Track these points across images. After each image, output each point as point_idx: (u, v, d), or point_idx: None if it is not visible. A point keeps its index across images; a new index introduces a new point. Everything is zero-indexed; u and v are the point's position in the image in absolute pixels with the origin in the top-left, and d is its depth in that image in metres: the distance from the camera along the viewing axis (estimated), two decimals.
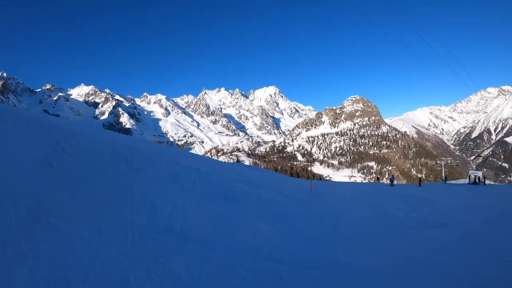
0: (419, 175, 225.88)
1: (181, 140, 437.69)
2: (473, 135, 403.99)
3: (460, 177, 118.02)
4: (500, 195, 23.72)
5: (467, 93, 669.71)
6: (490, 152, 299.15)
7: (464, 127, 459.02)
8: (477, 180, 39.73)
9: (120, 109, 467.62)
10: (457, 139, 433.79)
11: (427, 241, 9.00)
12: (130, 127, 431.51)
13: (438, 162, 78.82)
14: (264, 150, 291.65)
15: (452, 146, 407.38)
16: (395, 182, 41.76)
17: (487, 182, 45.88)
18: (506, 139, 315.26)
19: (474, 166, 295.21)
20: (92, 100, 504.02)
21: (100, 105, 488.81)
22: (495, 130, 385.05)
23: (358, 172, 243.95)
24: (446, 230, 10.32)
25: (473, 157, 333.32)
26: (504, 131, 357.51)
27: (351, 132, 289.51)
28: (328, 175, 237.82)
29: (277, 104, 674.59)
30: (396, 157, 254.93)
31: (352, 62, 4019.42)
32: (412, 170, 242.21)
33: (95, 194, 8.36)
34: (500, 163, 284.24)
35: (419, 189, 28.39)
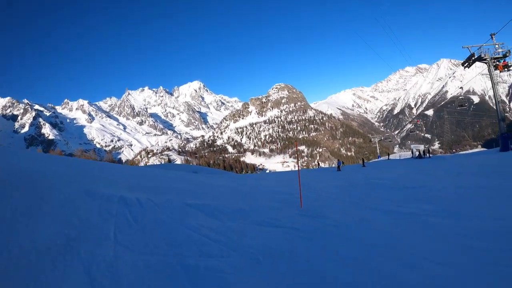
0: (349, 153, 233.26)
1: (109, 146, 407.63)
2: (395, 111, 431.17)
3: (388, 152, 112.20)
4: (476, 169, 18.84)
5: (387, 73, 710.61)
6: (413, 125, 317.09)
7: (386, 105, 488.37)
8: (422, 154, 40.91)
9: (41, 119, 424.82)
10: (381, 116, 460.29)
11: None
12: (54, 137, 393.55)
13: (372, 139, 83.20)
14: (194, 146, 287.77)
15: (376, 123, 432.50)
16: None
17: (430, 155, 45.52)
18: (426, 112, 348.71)
19: (399, 140, 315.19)
20: (10, 113, 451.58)
21: (19, 118, 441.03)
22: (415, 105, 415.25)
23: (290, 157, 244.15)
24: None
25: (397, 131, 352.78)
26: (424, 105, 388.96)
27: (279, 119, 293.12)
28: (261, 164, 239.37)
29: (203, 98, 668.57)
30: (325, 139, 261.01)
31: (275, 50, 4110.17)
32: (342, 149, 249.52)
33: None
34: (423, 134, 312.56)
35: (390, 173, 23.00)
